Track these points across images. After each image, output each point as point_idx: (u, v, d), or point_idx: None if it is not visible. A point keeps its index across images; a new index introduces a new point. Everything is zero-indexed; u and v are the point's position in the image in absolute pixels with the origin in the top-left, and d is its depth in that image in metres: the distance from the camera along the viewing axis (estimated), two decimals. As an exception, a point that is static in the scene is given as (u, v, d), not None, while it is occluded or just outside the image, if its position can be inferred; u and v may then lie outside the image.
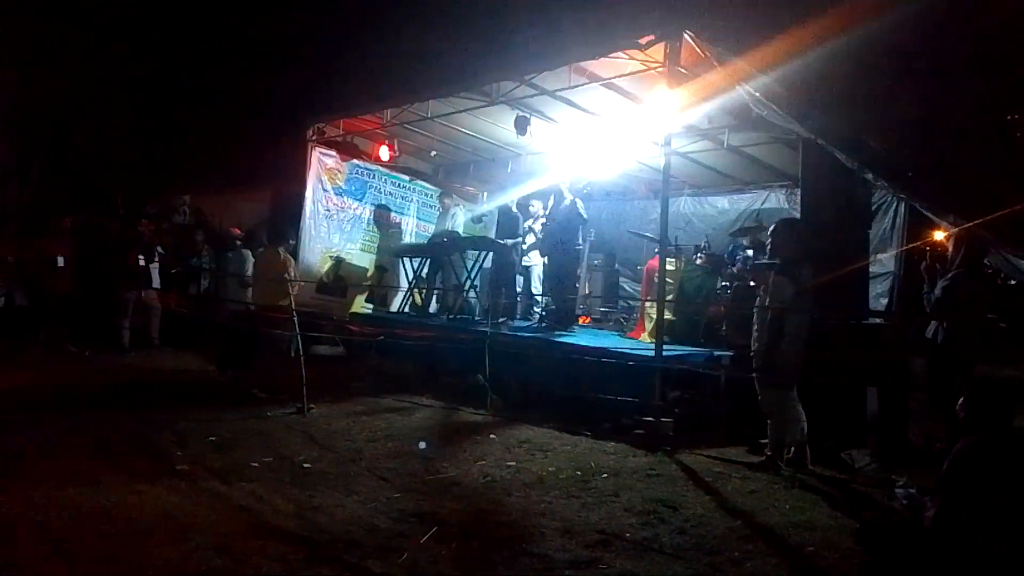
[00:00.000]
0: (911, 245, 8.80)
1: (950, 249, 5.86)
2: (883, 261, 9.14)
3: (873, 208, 8.67)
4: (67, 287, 9.82)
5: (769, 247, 5.78)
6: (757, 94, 6.29)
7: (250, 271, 9.35)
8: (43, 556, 3.37)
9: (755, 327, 5.60)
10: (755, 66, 6.41)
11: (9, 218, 13.80)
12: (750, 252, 8.37)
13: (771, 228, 5.84)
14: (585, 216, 8.71)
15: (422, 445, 5.77)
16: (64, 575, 3.25)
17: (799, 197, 7.86)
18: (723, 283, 8.29)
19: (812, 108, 6.83)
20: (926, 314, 5.86)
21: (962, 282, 5.55)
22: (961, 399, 3.39)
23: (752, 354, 5.61)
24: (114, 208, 14.20)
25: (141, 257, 10.27)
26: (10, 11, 13.49)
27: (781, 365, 5.35)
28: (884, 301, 9.06)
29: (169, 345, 10.42)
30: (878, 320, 8.03)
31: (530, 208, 9.57)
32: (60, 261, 9.78)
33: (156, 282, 10.55)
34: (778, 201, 10.43)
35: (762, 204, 10.61)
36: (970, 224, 5.92)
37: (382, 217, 11.24)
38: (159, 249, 10.81)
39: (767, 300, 5.50)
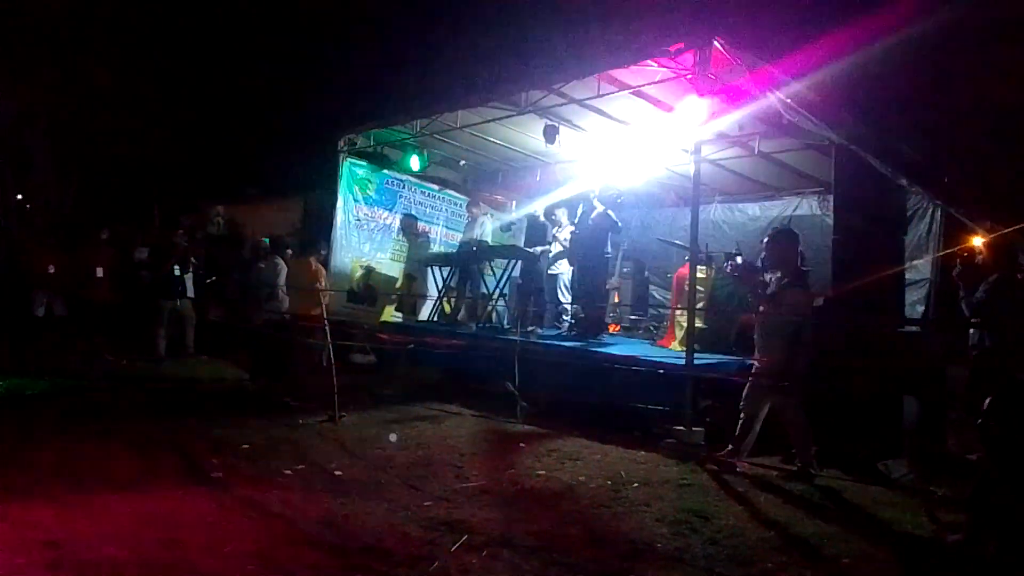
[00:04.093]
0: (947, 251, 8.64)
1: (987, 255, 5.75)
2: (919, 268, 8.98)
3: (908, 214, 8.54)
4: (105, 297, 10.01)
5: (766, 257, 5.84)
6: (789, 100, 6.24)
7: (282, 280, 9.45)
8: (80, 563, 3.43)
9: (761, 338, 5.69)
10: (787, 72, 6.37)
11: (49, 230, 14.13)
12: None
13: (768, 239, 5.91)
14: (619, 224, 8.69)
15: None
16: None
17: (832, 203, 7.76)
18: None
19: (845, 114, 6.75)
20: (963, 321, 5.76)
21: (1004, 288, 5.44)
22: (988, 406, 3.17)
23: (763, 365, 5.63)
24: (150, 219, 14.50)
25: (176, 267, 10.45)
26: (51, 26, 13.85)
27: (798, 374, 5.40)
28: (920, 309, 8.89)
29: (204, 354, 10.58)
30: (914, 328, 7.89)
31: (552, 217, 9.56)
32: (99, 272, 9.97)
33: (191, 291, 10.72)
34: (810, 208, 10.32)
35: (794, 211, 10.50)
36: (1007, 230, 5.81)
37: (410, 226, 11.32)
38: (192, 259, 10.99)
39: (778, 311, 5.55)
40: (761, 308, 5.78)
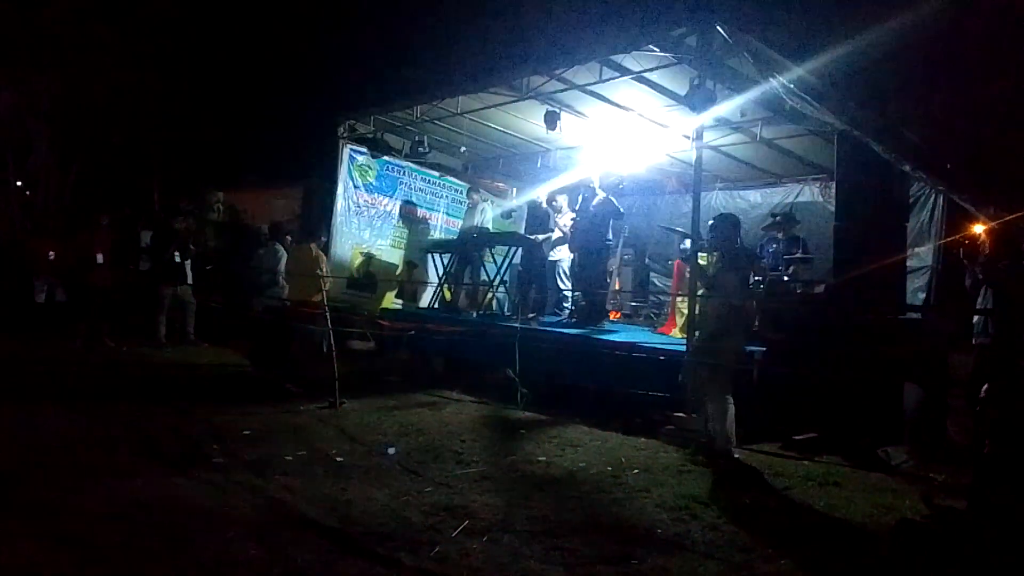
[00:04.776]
0: (949, 238, 8.63)
1: (990, 243, 5.73)
2: (920, 255, 8.97)
3: (911, 201, 8.52)
4: (106, 283, 10.01)
5: (712, 241, 5.95)
6: (791, 86, 6.20)
7: (282, 267, 9.44)
8: (83, 546, 3.44)
9: (700, 321, 5.85)
10: (790, 57, 6.33)
11: (49, 216, 14.11)
12: (773, 247, 8.35)
13: (713, 222, 5.97)
14: (621, 210, 8.66)
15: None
16: (103, 566, 3.31)
17: (834, 190, 7.74)
18: (755, 277, 8.20)
19: (848, 99, 6.71)
20: (965, 307, 5.76)
21: (1010, 274, 5.43)
22: (988, 393, 3.17)
23: (706, 346, 5.68)
24: (150, 205, 14.48)
25: (176, 253, 10.43)
26: (50, 14, 13.78)
27: (728, 356, 5.47)
28: (922, 296, 8.89)
29: (204, 340, 10.59)
30: (915, 315, 7.88)
31: (553, 203, 9.54)
32: (99, 258, 9.96)
33: (190, 278, 10.71)
34: (812, 195, 10.30)
35: (796, 197, 10.48)
36: (1011, 217, 5.78)
37: (410, 213, 11.30)
38: (192, 246, 10.96)
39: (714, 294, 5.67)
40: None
